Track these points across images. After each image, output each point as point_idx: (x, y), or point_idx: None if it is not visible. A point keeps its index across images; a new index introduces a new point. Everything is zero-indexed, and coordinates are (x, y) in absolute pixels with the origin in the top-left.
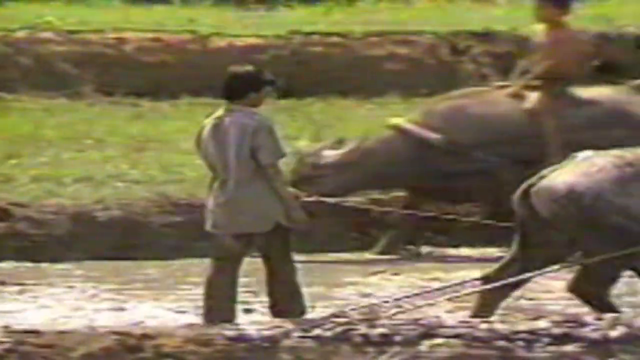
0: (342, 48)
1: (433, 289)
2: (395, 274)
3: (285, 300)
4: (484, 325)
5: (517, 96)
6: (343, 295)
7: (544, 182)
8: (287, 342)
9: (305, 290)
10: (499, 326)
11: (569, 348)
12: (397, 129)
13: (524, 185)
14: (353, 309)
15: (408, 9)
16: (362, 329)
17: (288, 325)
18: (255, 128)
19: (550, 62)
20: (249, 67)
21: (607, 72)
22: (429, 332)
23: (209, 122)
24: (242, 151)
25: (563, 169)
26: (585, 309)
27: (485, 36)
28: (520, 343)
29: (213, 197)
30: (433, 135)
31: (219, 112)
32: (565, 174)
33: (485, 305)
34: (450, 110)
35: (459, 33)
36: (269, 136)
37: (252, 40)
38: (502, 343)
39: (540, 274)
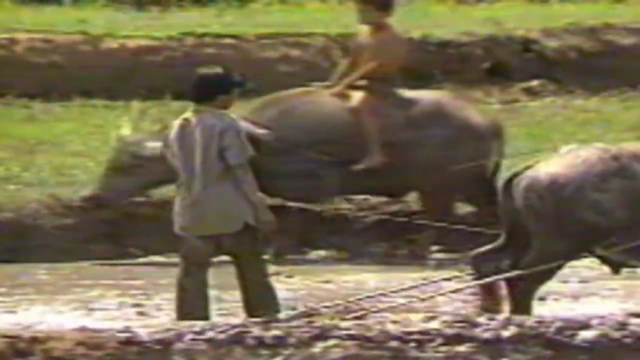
0: (235, 50)
1: (410, 285)
2: (289, 277)
3: (258, 300)
4: (377, 326)
5: (342, 96)
6: (235, 298)
7: (528, 173)
8: (179, 345)
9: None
10: (391, 327)
11: (461, 348)
12: None
13: (508, 175)
14: (326, 306)
15: (300, 11)
16: (256, 331)
17: (181, 327)
18: (222, 128)
19: (374, 63)
20: (218, 69)
21: (496, 75)
22: (323, 333)
23: (176, 124)
24: (209, 152)
25: (548, 160)
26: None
27: None
28: (413, 343)
29: (180, 199)
30: (259, 131)
31: (187, 113)
32: (549, 165)
33: (493, 298)
34: (277, 109)
35: (351, 35)
36: (236, 136)
37: (145, 42)
38: (394, 344)
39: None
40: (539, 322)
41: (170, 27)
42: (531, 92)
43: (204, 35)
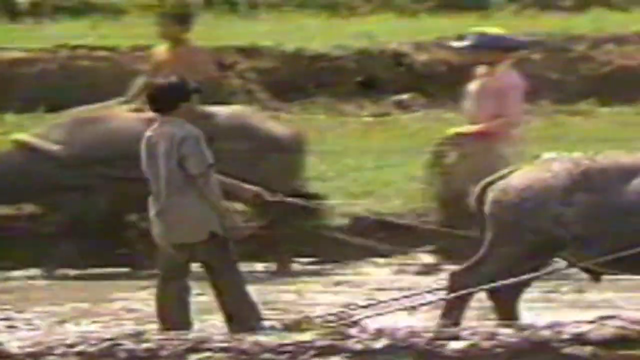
0: (109, 62)
1: (402, 296)
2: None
3: (236, 309)
4: (250, 339)
5: (140, 112)
6: (110, 311)
7: (500, 183)
8: (50, 358)
9: (68, 307)
10: (264, 339)
11: (334, 359)
12: (19, 143)
13: (482, 184)
14: (318, 317)
15: None
16: (128, 344)
17: (51, 340)
18: (182, 138)
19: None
20: (173, 78)
21: (368, 88)
22: (196, 346)
23: (144, 136)
24: (170, 161)
25: (519, 171)
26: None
27: (251, 51)
28: (286, 356)
29: (150, 209)
30: (53, 147)
31: (154, 125)
32: (519, 177)
33: (455, 309)
34: (73, 125)
35: (225, 48)
36: (195, 145)
37: (19, 54)
38: (268, 356)
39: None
40: (411, 333)
41: (44, 38)
42: (402, 105)
43: (78, 47)
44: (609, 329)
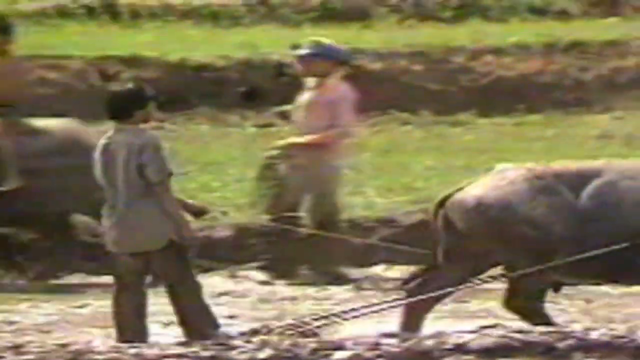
0: None
1: (359, 307)
2: (46, 302)
3: (193, 317)
4: (132, 350)
5: None
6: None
7: (458, 195)
8: None
9: None
10: (147, 351)
11: None
12: None
13: (440, 197)
14: (278, 326)
15: (57, 33)
16: (9, 356)
17: None
18: (141, 146)
19: None
20: (130, 85)
21: (252, 98)
22: (77, 357)
23: (99, 145)
24: (129, 169)
25: (477, 182)
26: (242, 328)
27: (134, 61)
28: None
29: (106, 218)
30: None
31: (109, 132)
32: (477, 187)
33: (412, 319)
34: None
35: (108, 58)
36: (155, 154)
37: None
38: None
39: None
40: (294, 344)
41: None
42: (286, 116)
43: None
44: (490, 339)
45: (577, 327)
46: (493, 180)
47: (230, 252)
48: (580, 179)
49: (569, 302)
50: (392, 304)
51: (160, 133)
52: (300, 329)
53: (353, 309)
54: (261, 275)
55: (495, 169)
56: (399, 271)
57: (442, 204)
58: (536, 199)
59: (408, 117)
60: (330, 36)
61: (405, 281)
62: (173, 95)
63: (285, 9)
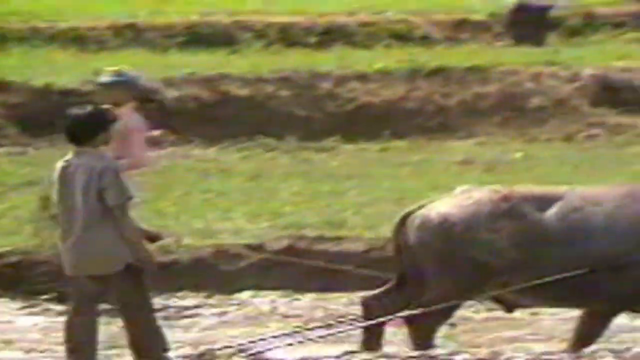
0: None
1: (313, 327)
2: None
3: (145, 340)
4: None
5: None
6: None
7: (421, 212)
8: None
9: None
10: None
11: None
12: None
13: (402, 214)
14: (221, 348)
15: None
16: None
17: None
18: (101, 169)
19: None
20: (90, 108)
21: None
22: None
23: (58, 166)
24: (89, 193)
25: (441, 200)
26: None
27: (0, 86)
28: None
29: (62, 241)
30: None
31: (68, 155)
32: (442, 205)
33: (372, 338)
34: None
35: None
36: (115, 178)
37: None
38: None
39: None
40: None
41: None
42: (154, 142)
43: None
44: None
45: (441, 352)
46: (458, 200)
47: None
48: (545, 204)
49: None
50: (358, 325)
51: (24, 158)
52: (246, 352)
53: (307, 328)
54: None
55: (459, 188)
56: (266, 297)
57: (403, 221)
58: (498, 223)
59: (275, 143)
60: (197, 62)
61: (365, 301)
62: (38, 120)
63: (152, 34)
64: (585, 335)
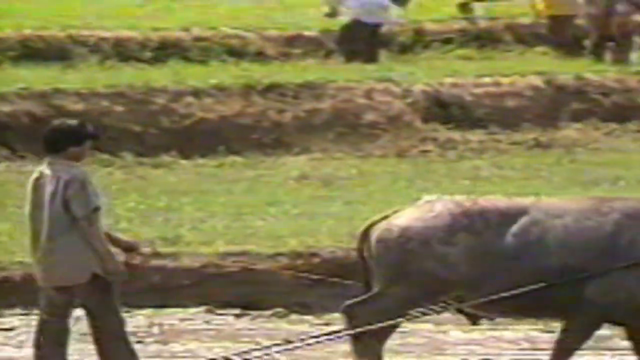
0: None
1: (308, 336)
2: None
3: (113, 352)
4: None
5: None
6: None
7: (383, 223)
8: None
9: None
10: None
11: None
12: None
13: (367, 223)
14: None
15: None
16: None
17: None
18: (67, 181)
19: None
20: (71, 121)
21: None
22: None
23: (32, 176)
24: (55, 203)
25: (403, 211)
26: None
27: None
28: None
29: (32, 251)
30: None
31: (42, 165)
32: (402, 217)
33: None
34: None
35: None
36: (80, 189)
37: None
38: None
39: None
40: None
41: None
42: None
43: None
44: None
45: None
46: (419, 212)
47: None
48: (507, 217)
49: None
50: (339, 334)
51: None
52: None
53: (302, 339)
54: None
55: (423, 199)
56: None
57: (366, 232)
58: (456, 237)
59: (110, 159)
60: (31, 76)
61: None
62: None
63: None
64: (565, 347)
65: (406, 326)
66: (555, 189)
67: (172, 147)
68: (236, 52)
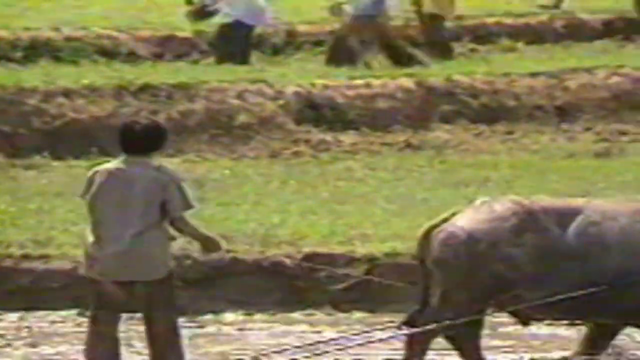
0: None
1: (347, 336)
2: None
3: (164, 350)
4: None
5: None
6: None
7: (445, 226)
8: None
9: None
10: None
11: None
12: None
13: (426, 227)
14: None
15: None
16: None
17: None
18: (165, 182)
19: None
20: (154, 120)
21: None
22: None
23: (103, 171)
24: (152, 204)
25: (464, 213)
26: None
27: None
28: None
29: (103, 246)
30: None
31: (118, 163)
32: (466, 219)
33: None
34: None
35: None
36: (179, 190)
37: None
38: None
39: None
40: None
41: None
42: None
43: None
44: None
45: None
46: (482, 214)
47: None
48: (565, 217)
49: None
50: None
51: None
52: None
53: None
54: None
55: (479, 200)
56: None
57: (427, 234)
58: (523, 236)
59: None
60: None
61: (405, 323)
62: None
63: None
64: (592, 346)
65: None
66: (427, 190)
67: (43, 148)
68: (108, 53)
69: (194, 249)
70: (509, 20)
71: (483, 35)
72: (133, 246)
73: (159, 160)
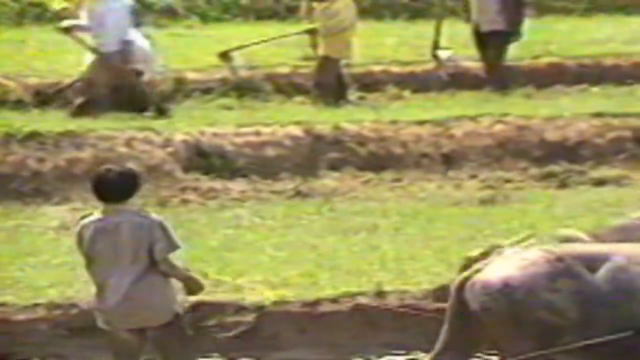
0: None
1: None
2: None
3: None
4: None
5: None
6: None
7: (479, 275)
8: None
9: None
10: None
11: None
12: None
13: (460, 278)
14: None
15: None
16: None
17: None
18: (149, 225)
19: None
20: (128, 167)
21: None
22: None
23: (89, 224)
24: (140, 248)
25: (496, 262)
26: None
27: None
28: None
29: (105, 297)
30: None
31: (100, 213)
32: (499, 268)
33: None
34: None
35: None
36: (162, 231)
37: None
38: None
39: None
40: None
41: None
42: None
43: None
44: None
45: None
46: (514, 262)
47: None
48: (593, 262)
49: None
50: None
51: None
52: None
53: None
54: None
55: (507, 249)
56: None
57: (461, 285)
58: (558, 282)
59: None
60: None
61: None
62: None
63: None
64: None
65: None
66: (316, 237)
67: None
68: None
69: (81, 296)
70: (395, 69)
71: (370, 83)
72: (133, 293)
73: (136, 204)
